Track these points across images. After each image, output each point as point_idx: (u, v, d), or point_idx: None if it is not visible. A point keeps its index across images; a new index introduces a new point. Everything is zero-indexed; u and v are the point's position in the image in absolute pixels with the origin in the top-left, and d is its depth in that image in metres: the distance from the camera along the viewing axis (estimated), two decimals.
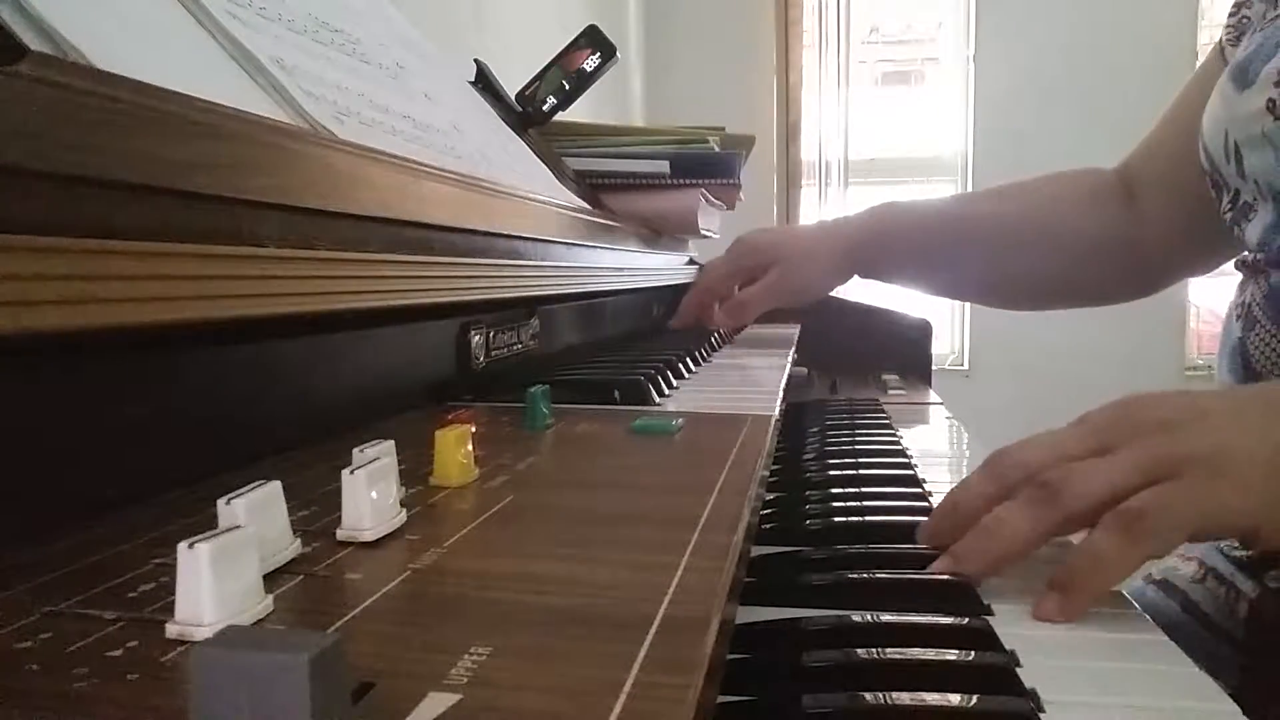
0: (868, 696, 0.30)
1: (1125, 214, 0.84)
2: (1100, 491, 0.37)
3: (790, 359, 0.87)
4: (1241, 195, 0.61)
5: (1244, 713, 0.30)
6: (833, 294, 1.02)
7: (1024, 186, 0.91)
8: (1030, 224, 0.88)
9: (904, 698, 0.30)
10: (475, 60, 0.96)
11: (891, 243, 0.93)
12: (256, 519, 0.25)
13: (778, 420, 0.56)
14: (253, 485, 0.26)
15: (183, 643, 0.21)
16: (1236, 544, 0.62)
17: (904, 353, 1.20)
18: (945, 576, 0.39)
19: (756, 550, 0.44)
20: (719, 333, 1.03)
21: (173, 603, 0.22)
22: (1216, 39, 0.73)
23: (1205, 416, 0.39)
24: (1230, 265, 0.69)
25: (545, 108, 0.98)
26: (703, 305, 1.04)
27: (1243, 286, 0.63)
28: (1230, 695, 0.31)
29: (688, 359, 0.76)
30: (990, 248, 0.89)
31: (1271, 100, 0.54)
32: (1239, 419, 0.39)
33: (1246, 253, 0.62)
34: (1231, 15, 0.70)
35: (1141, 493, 0.36)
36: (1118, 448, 0.38)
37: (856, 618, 0.36)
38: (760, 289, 0.95)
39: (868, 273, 0.96)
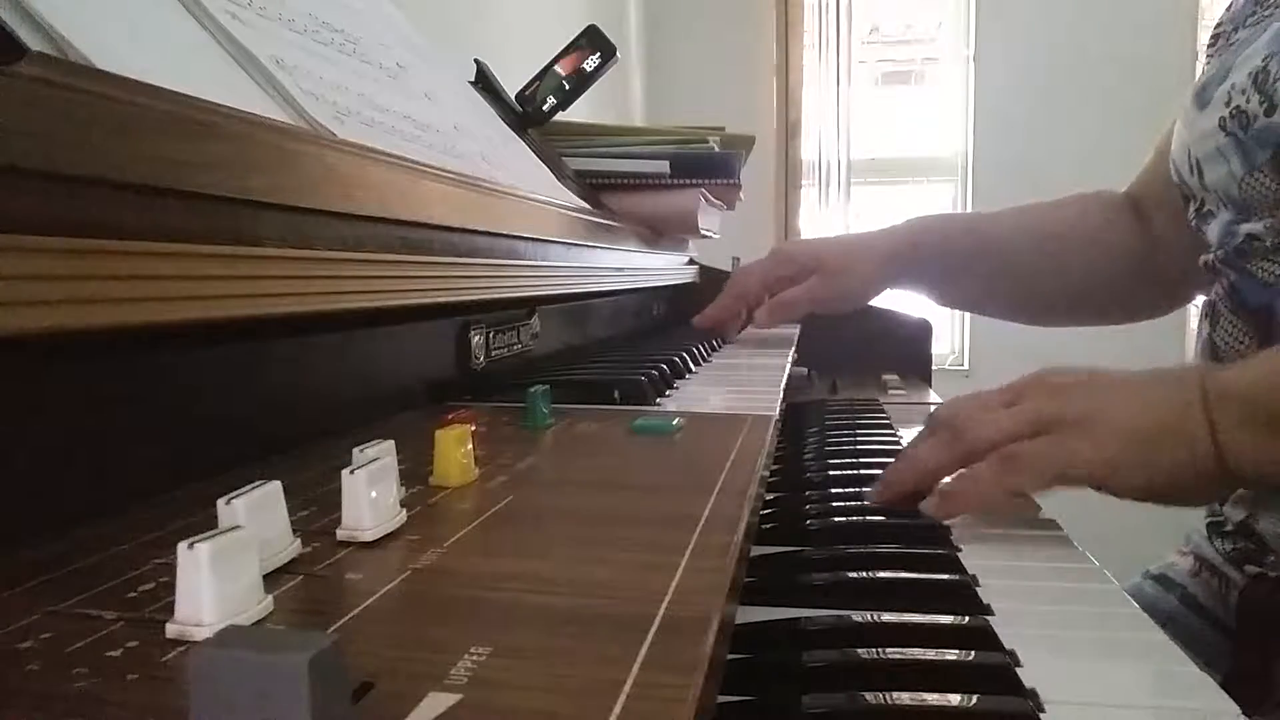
0: (868, 696, 0.30)
1: (1136, 233, 0.87)
2: (993, 436, 0.48)
3: (790, 359, 0.87)
4: (1206, 204, 0.67)
5: (1235, 691, 0.30)
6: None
7: (1041, 204, 0.93)
8: (1047, 239, 0.90)
9: (904, 698, 0.30)
10: (475, 60, 0.96)
11: (925, 255, 0.94)
12: (256, 519, 0.25)
13: (778, 420, 0.56)
14: (253, 485, 0.26)
15: (183, 643, 0.21)
16: (1222, 539, 0.66)
17: (904, 353, 1.20)
18: (947, 577, 0.40)
19: (756, 550, 0.44)
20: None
21: (173, 603, 0.22)
22: (1203, 61, 0.77)
23: (1092, 386, 0.49)
24: None
25: (545, 108, 0.98)
26: (732, 310, 1.02)
27: (1208, 288, 0.68)
28: (1225, 677, 0.32)
29: (688, 359, 0.76)
30: (1011, 262, 0.91)
31: (1222, 119, 0.60)
32: (1117, 390, 0.49)
33: (1207, 255, 0.66)
34: (1210, 45, 0.74)
35: (1022, 441, 0.47)
36: (1019, 404, 0.49)
37: (856, 618, 0.36)
38: (802, 291, 0.96)
39: (902, 284, 0.97)
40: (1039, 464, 0.46)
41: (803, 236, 2.73)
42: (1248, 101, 0.58)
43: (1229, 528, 0.65)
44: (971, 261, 0.93)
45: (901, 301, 1.19)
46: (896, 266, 0.94)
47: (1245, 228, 0.61)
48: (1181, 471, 0.46)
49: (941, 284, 0.97)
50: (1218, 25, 0.73)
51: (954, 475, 0.49)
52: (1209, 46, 0.74)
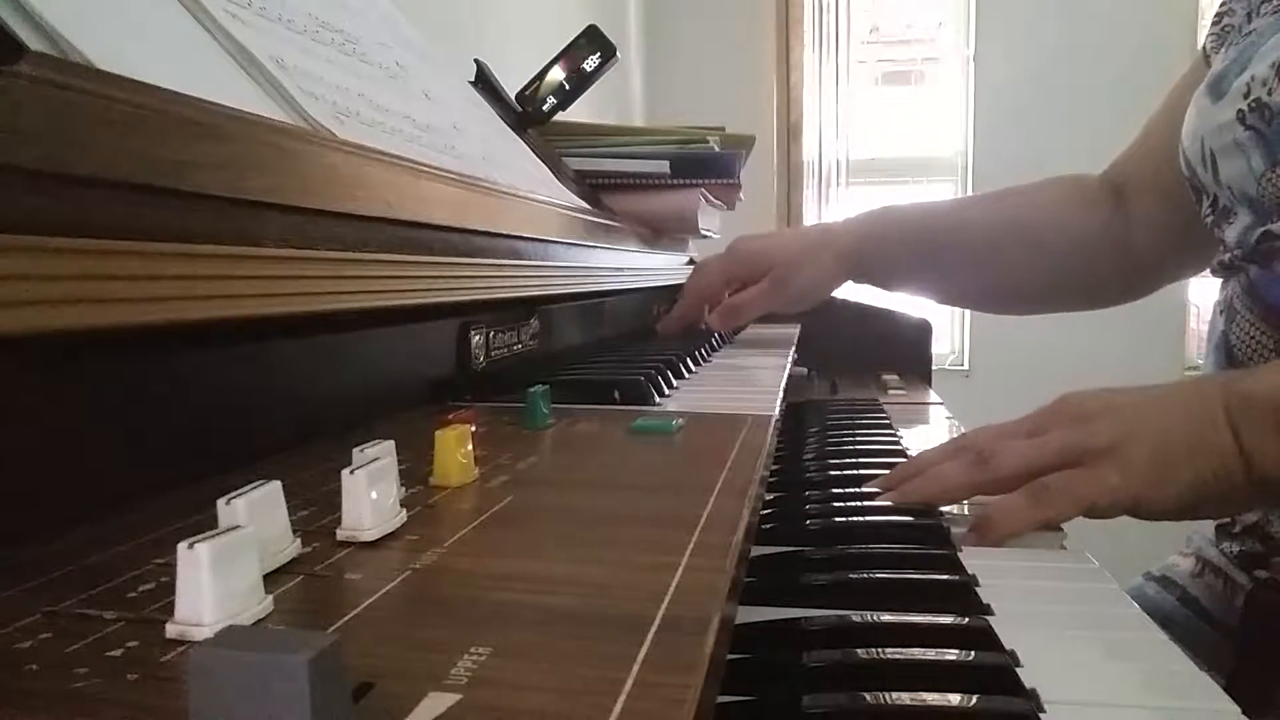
0: (868, 696, 0.30)
1: (1114, 216, 0.85)
2: (1018, 466, 0.47)
3: (790, 359, 0.87)
4: (1220, 200, 0.64)
5: (1239, 695, 0.30)
6: (833, 294, 1.01)
7: (1013, 191, 0.91)
8: (1019, 226, 0.89)
9: (904, 698, 0.30)
10: (475, 60, 0.96)
11: (884, 248, 0.93)
12: (256, 519, 0.25)
13: (778, 420, 0.56)
14: (253, 485, 0.26)
15: (183, 643, 0.21)
16: (1230, 541, 0.66)
17: (904, 353, 1.20)
18: (947, 577, 0.40)
19: (756, 550, 0.44)
20: (719, 333, 1.02)
21: (173, 603, 0.22)
22: (1200, 45, 0.75)
23: (1117, 412, 0.48)
24: None
25: (545, 108, 0.98)
26: (693, 313, 1.02)
27: (1224, 285, 0.66)
28: (1226, 680, 0.32)
29: (688, 359, 0.76)
30: (980, 251, 0.90)
31: (1241, 111, 0.58)
32: (1139, 412, 0.48)
33: (1224, 254, 0.65)
34: (1215, 24, 0.72)
35: (1053, 474, 0.46)
36: (1044, 434, 0.48)
37: (856, 618, 0.36)
38: (755, 294, 0.95)
39: (861, 278, 0.96)
40: (1069, 497, 0.46)
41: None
42: (1269, 94, 0.56)
43: (1237, 530, 0.65)
44: (937, 252, 0.91)
45: (901, 301, 1.19)
46: (853, 263, 0.93)
47: (1265, 227, 0.59)
48: (1210, 485, 0.46)
49: (900, 279, 0.96)
50: (1222, 4, 0.71)
51: (988, 506, 0.48)
52: (1213, 25, 0.72)
